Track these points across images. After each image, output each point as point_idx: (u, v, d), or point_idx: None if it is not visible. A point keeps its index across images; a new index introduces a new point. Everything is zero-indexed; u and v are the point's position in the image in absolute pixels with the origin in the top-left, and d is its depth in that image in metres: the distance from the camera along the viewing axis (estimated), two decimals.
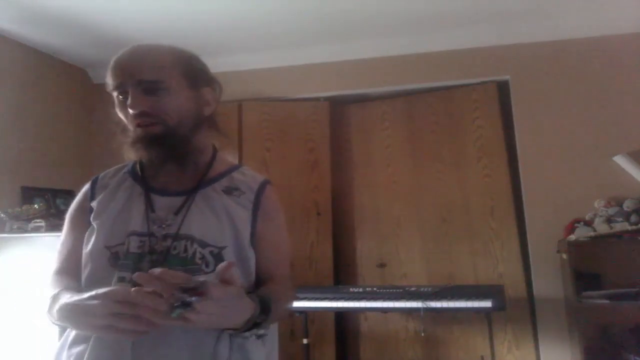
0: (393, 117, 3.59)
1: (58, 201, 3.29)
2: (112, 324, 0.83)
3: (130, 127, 1.05)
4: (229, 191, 1.10)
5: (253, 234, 1.09)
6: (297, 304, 2.84)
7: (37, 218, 2.80)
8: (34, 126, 3.34)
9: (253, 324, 0.92)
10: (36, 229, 2.76)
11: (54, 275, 1.09)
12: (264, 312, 0.93)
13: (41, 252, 2.70)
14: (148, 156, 1.05)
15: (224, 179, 1.12)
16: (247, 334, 0.94)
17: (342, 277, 3.55)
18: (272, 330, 1.10)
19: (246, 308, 0.90)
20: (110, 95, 1.10)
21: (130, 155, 1.07)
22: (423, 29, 3.28)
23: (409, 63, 3.43)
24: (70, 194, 3.44)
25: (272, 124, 3.59)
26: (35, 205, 2.93)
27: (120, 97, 1.05)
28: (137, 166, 1.14)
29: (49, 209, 3.09)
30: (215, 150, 1.17)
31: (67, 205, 1.15)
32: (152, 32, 3.14)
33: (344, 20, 3.11)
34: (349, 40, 3.40)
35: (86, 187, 1.16)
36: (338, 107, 3.72)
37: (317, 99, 3.65)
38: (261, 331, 0.96)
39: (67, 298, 0.93)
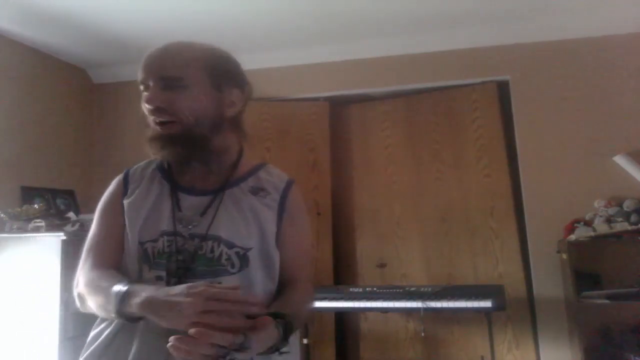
0: (393, 117, 3.59)
1: (58, 201, 3.29)
2: (201, 320, 0.83)
3: (150, 123, 1.05)
4: (255, 191, 1.11)
5: (278, 235, 1.09)
6: None
7: (37, 218, 2.80)
8: (34, 126, 3.34)
9: (275, 348, 0.93)
10: (36, 229, 2.76)
11: (93, 271, 1.04)
12: (286, 336, 0.94)
13: (41, 252, 2.70)
14: (164, 155, 1.05)
15: (250, 179, 1.13)
16: (269, 355, 0.95)
17: (342, 277, 3.55)
18: (293, 340, 1.10)
19: (271, 337, 0.90)
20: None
21: (150, 152, 1.08)
22: (423, 29, 3.28)
23: (409, 63, 3.43)
24: (71, 194, 3.44)
25: (272, 124, 3.59)
26: (35, 205, 2.93)
27: (144, 91, 1.05)
28: (165, 163, 1.14)
29: (49, 209, 3.09)
30: (241, 150, 1.17)
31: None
32: (152, 32, 3.14)
33: (344, 20, 3.11)
34: (349, 40, 3.40)
35: (117, 181, 1.15)
36: (338, 107, 3.72)
37: (317, 99, 3.65)
38: (283, 349, 0.96)
39: (152, 291, 0.90)
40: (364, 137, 3.65)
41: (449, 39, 3.33)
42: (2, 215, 2.81)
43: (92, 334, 1.05)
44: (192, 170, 1.09)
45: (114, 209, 1.10)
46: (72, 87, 3.70)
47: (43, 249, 2.70)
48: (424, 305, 2.61)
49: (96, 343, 1.02)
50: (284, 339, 0.93)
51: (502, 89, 3.36)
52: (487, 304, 2.55)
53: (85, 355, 1.03)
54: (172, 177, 1.11)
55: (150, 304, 0.88)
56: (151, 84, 1.03)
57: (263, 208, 1.09)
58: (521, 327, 3.09)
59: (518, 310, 3.08)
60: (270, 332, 0.89)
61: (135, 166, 1.17)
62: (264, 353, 0.91)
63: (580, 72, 3.16)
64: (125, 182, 1.13)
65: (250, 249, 1.04)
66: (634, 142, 2.99)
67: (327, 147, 3.57)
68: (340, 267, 3.57)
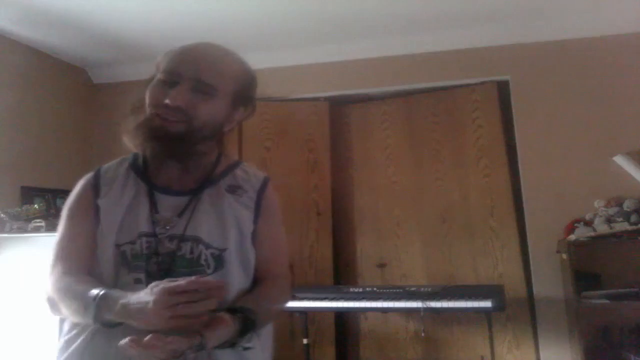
0: (393, 117, 3.59)
1: (58, 201, 3.29)
2: (173, 314, 0.83)
3: (148, 109, 1.02)
4: (232, 190, 1.10)
5: (254, 234, 1.09)
6: (297, 304, 2.84)
7: (37, 218, 2.80)
8: (34, 126, 3.34)
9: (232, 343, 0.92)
10: (36, 229, 2.75)
11: (66, 275, 1.02)
12: (244, 331, 0.93)
13: (41, 252, 2.70)
14: (154, 150, 1.03)
15: (227, 177, 1.12)
16: (226, 349, 0.94)
17: (342, 277, 3.55)
18: (267, 335, 1.09)
19: (228, 332, 0.90)
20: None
21: (130, 144, 1.05)
22: (423, 29, 3.28)
23: (409, 63, 3.43)
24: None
25: (272, 124, 3.59)
26: (35, 205, 2.93)
27: (165, 81, 1.03)
28: (139, 161, 1.11)
29: (49, 209, 3.09)
30: (220, 152, 1.16)
31: None
32: (153, 32, 3.14)
33: (344, 20, 3.11)
34: (349, 40, 3.40)
35: (87, 180, 1.11)
36: (338, 107, 3.72)
37: (317, 99, 3.65)
38: (247, 345, 0.95)
39: (126, 296, 0.90)
40: (364, 137, 3.65)
41: (449, 39, 3.32)
42: (2, 215, 2.80)
43: (64, 339, 1.02)
44: (168, 169, 1.07)
45: (86, 209, 1.06)
46: (72, 87, 3.70)
47: (43, 249, 2.69)
48: (424, 306, 2.61)
49: (71, 349, 1.00)
50: (242, 334, 0.92)
51: (502, 89, 3.36)
52: (487, 304, 2.55)
53: None
54: (147, 176, 1.09)
55: (124, 308, 0.88)
56: (181, 82, 1.01)
57: (240, 208, 1.09)
58: (521, 327, 3.09)
59: (518, 310, 3.08)
60: (227, 328, 0.89)
61: (107, 165, 1.13)
62: (220, 347, 0.91)
63: (580, 72, 3.16)
64: (96, 182, 1.09)
65: (226, 249, 1.04)
66: (634, 142, 2.99)
67: (327, 147, 3.57)
68: (340, 267, 3.57)
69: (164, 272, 0.99)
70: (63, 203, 1.15)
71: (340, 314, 3.38)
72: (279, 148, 3.56)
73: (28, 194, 3.16)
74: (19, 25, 3.06)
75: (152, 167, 1.09)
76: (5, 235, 2.78)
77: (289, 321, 3.26)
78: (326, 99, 3.65)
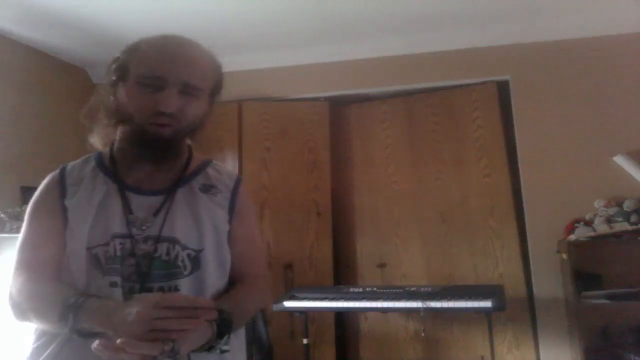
0: (393, 117, 3.59)
1: None
2: (155, 327, 0.81)
3: (138, 118, 0.99)
4: (206, 189, 1.08)
5: (229, 233, 1.07)
6: (297, 304, 2.84)
7: None
8: (34, 126, 3.34)
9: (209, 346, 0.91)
10: None
11: (34, 281, 0.98)
12: (222, 334, 0.90)
13: None
14: (144, 155, 1.01)
15: (199, 176, 1.10)
16: (203, 353, 0.92)
17: (342, 277, 3.55)
18: (242, 335, 1.08)
19: (204, 336, 0.88)
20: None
21: (98, 145, 1.05)
22: (423, 29, 3.28)
23: (409, 63, 3.43)
24: None
25: (272, 124, 3.58)
26: None
27: (147, 87, 0.98)
28: (106, 160, 1.08)
29: None
30: (191, 150, 1.15)
31: None
32: (152, 32, 3.14)
33: (344, 20, 3.11)
34: (349, 40, 3.40)
35: (52, 180, 1.06)
36: (338, 107, 3.72)
37: (317, 99, 3.64)
38: (224, 347, 0.93)
39: (108, 307, 0.87)
40: (364, 137, 3.65)
41: (449, 39, 3.32)
42: (2, 215, 2.80)
43: (33, 347, 0.99)
44: (139, 168, 1.04)
45: (52, 210, 1.01)
46: (72, 87, 3.70)
47: None
48: (424, 306, 2.61)
49: (43, 356, 0.95)
50: (219, 336, 0.90)
51: (502, 89, 3.35)
52: (487, 304, 2.55)
53: None
54: (117, 176, 1.05)
55: (107, 318, 0.85)
56: (168, 86, 0.98)
57: (215, 207, 1.07)
58: (521, 327, 3.09)
59: (518, 310, 3.08)
60: (202, 332, 0.87)
61: (72, 164, 1.10)
62: (197, 351, 0.89)
63: (580, 72, 3.15)
64: (62, 181, 1.05)
65: (202, 250, 1.02)
66: (634, 142, 2.99)
67: (327, 147, 3.57)
68: (340, 267, 3.57)
69: (141, 275, 0.96)
70: None
71: (340, 314, 3.37)
72: (279, 148, 3.56)
73: (28, 194, 3.15)
74: (19, 25, 3.06)
75: (122, 167, 1.06)
76: (5, 235, 2.78)
77: (289, 321, 3.27)
78: (326, 99, 3.65)
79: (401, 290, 2.82)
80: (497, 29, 3.24)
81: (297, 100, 3.64)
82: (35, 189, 1.08)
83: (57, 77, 3.57)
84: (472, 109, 3.39)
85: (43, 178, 1.07)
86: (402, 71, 3.46)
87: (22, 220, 2.91)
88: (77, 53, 3.53)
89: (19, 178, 3.16)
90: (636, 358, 2.56)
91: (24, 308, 0.97)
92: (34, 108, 3.35)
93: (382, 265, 3.46)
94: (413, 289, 2.85)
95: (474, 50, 3.32)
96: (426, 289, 2.83)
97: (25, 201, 3.07)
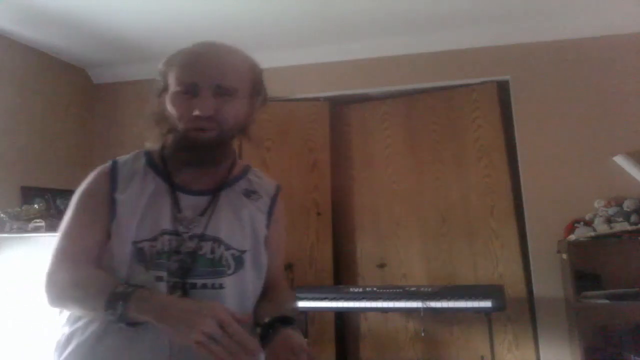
0: (393, 117, 3.59)
1: (58, 201, 3.29)
2: (206, 343, 0.81)
3: (180, 124, 1.02)
4: (248, 194, 1.13)
5: (266, 238, 1.11)
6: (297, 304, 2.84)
7: (37, 218, 2.80)
8: (34, 126, 3.34)
9: None
10: (36, 229, 2.75)
11: (77, 267, 0.99)
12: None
13: (41, 252, 2.70)
14: (191, 159, 1.04)
15: (242, 181, 1.14)
16: None
17: (342, 277, 3.55)
18: None
19: None
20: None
21: (150, 145, 1.08)
22: (423, 29, 3.28)
23: (409, 63, 3.43)
24: (70, 194, 3.43)
25: (272, 124, 3.58)
26: (35, 205, 2.93)
27: (184, 93, 1.01)
28: (157, 159, 1.10)
29: (49, 209, 3.09)
30: (235, 154, 1.17)
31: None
32: (152, 32, 3.14)
33: (344, 20, 3.11)
34: (349, 40, 3.40)
35: (103, 173, 1.07)
36: (338, 107, 3.72)
37: (317, 99, 3.65)
38: None
39: (164, 299, 0.90)
40: (364, 137, 3.65)
41: (449, 39, 3.33)
42: (2, 215, 2.80)
43: (69, 330, 1.00)
44: (187, 170, 1.07)
45: (101, 202, 1.03)
46: (72, 87, 3.70)
47: (43, 249, 2.69)
48: (424, 305, 2.61)
49: (78, 341, 0.97)
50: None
51: (502, 89, 3.36)
52: (487, 304, 2.55)
53: (64, 355, 0.98)
54: (167, 175, 1.08)
55: (163, 310, 0.86)
56: (203, 90, 1.00)
57: (256, 212, 1.11)
58: (521, 327, 3.09)
59: (518, 310, 3.08)
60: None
61: (123, 159, 1.10)
62: None
63: (580, 72, 3.16)
64: (113, 175, 1.06)
65: (245, 251, 1.06)
66: (634, 142, 2.99)
67: (327, 147, 3.57)
68: (340, 267, 3.57)
69: (185, 271, 0.99)
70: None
71: (340, 314, 3.37)
72: (279, 148, 3.56)
73: (28, 194, 3.16)
74: (19, 25, 3.06)
75: (172, 167, 1.09)
76: (5, 235, 2.78)
77: None
78: (326, 99, 3.65)
79: (401, 290, 2.82)
80: (497, 29, 3.24)
81: (297, 100, 3.64)
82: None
83: (57, 77, 3.57)
84: (472, 109, 3.39)
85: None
86: (402, 71, 3.46)
87: (21, 220, 2.90)
88: (77, 53, 3.53)
89: (19, 178, 3.16)
90: (636, 358, 2.56)
91: (62, 295, 0.99)
92: (34, 108, 3.35)
93: (382, 265, 3.46)
94: (413, 289, 2.85)
95: (474, 50, 3.33)
96: (426, 289, 2.83)
97: (25, 201, 3.07)
